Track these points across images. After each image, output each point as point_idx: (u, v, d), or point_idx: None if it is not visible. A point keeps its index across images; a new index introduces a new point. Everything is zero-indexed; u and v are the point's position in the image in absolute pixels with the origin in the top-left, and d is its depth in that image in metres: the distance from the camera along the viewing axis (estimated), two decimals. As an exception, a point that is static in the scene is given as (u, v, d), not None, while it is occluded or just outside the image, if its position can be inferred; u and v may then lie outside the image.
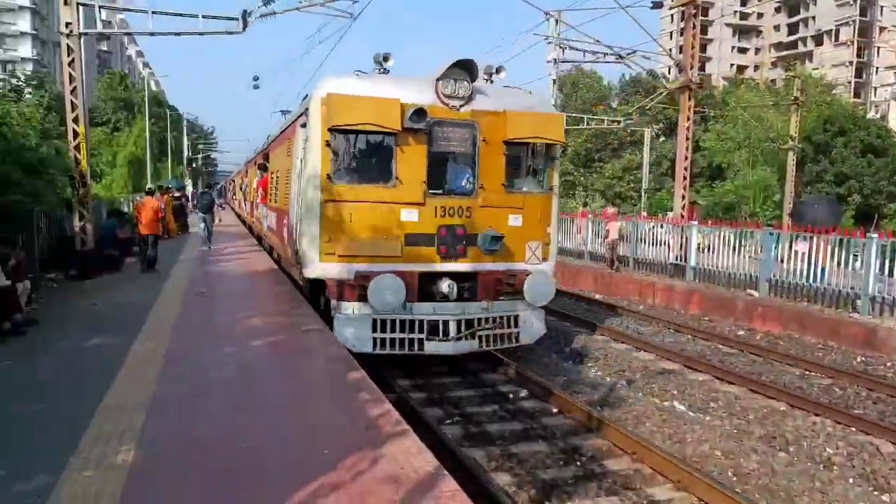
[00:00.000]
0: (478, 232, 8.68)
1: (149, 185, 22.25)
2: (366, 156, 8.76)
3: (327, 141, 8.30)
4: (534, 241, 9.23)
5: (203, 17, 15.20)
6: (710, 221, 18.10)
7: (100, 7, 16.75)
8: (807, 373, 10.07)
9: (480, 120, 8.69)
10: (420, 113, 8.06)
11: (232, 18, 15.28)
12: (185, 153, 67.94)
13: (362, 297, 8.15)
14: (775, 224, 17.97)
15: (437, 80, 8.48)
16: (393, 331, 8.37)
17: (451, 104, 8.56)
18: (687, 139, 18.47)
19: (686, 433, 7.31)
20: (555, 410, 7.93)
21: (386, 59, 8.74)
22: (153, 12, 15.30)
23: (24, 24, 75.08)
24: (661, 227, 18.33)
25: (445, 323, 8.53)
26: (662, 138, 50.51)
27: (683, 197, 18.52)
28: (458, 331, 8.57)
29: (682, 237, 16.90)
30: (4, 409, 5.40)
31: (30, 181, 11.36)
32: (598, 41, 21.95)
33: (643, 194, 41.25)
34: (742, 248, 15.38)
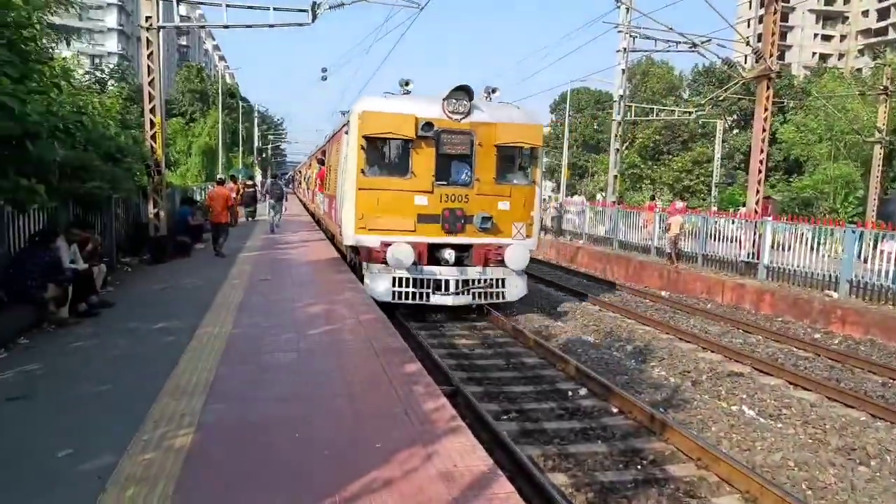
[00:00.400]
0: (473, 214, 11.42)
1: (220, 176, 23.35)
2: (389, 155, 11.79)
3: (362, 145, 11.14)
4: (519, 222, 11.87)
5: (274, 9, 15.49)
6: (785, 217, 17.21)
7: (178, 1, 17.40)
8: (891, 381, 9.42)
9: (476, 129, 11.44)
10: (429, 125, 10.90)
11: (301, 10, 15.50)
12: (256, 143, 69.90)
13: (385, 261, 11.03)
14: (858, 222, 16.91)
15: (444, 99, 11.25)
16: (407, 286, 11.29)
17: (453, 117, 11.29)
18: (764, 131, 17.59)
19: (756, 440, 6.94)
20: (615, 410, 7.68)
21: (407, 83, 11.60)
22: (227, 5, 15.66)
23: (111, 19, 78.97)
24: (733, 222, 17.57)
25: (447, 281, 11.44)
26: (735, 130, 48.58)
27: (758, 191, 17.68)
28: (457, 288, 11.49)
29: (755, 234, 16.14)
30: (77, 389, 5.61)
31: (109, 169, 11.83)
32: (670, 29, 21.18)
33: (713, 188, 39.80)
34: (821, 247, 14.55)
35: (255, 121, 70.20)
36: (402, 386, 5.72)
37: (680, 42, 21.62)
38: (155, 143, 14.28)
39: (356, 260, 12.68)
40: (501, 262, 11.66)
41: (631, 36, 23.46)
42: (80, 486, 3.74)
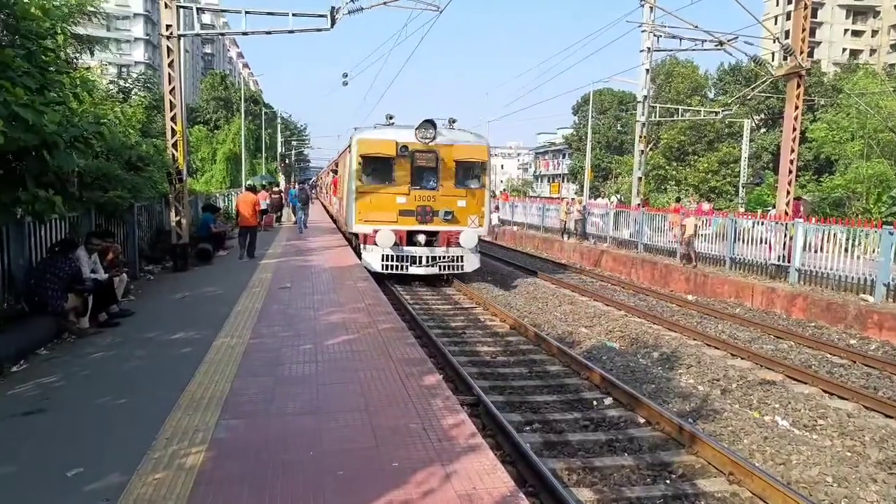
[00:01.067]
0: (439, 209, 15.87)
1: (248, 182, 24.04)
2: (378, 169, 15.89)
3: (359, 162, 15.72)
4: (473, 215, 16.17)
5: (293, 15, 15.47)
6: (817, 219, 16.70)
7: (198, 9, 17.50)
8: (932, 389, 9.02)
9: (440, 149, 15.79)
10: (405, 147, 15.42)
11: (320, 16, 15.45)
12: (279, 149, 70.48)
13: (376, 242, 15.18)
14: (894, 222, 16.38)
15: (416, 128, 15.47)
16: (392, 260, 15.64)
17: (423, 141, 15.46)
18: (794, 130, 17.11)
19: (790, 453, 6.64)
20: (642, 421, 7.44)
21: (391, 118, 16.52)
22: (246, 12, 15.69)
23: (137, 29, 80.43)
24: (762, 224, 17.12)
25: (420, 257, 15.81)
26: (763, 129, 47.68)
27: (788, 192, 17.20)
28: (427, 262, 15.84)
29: (785, 236, 15.69)
30: (92, 402, 5.55)
31: (130, 177, 11.89)
32: (695, 27, 20.78)
33: (741, 189, 39.04)
34: (855, 249, 14.07)
35: (279, 127, 70.78)
36: (420, 400, 5.55)
37: (705, 40, 21.20)
38: (176, 151, 14.34)
39: (357, 243, 17.09)
40: (459, 244, 15.92)
41: (655, 35, 23.10)
42: (87, 509, 3.65)
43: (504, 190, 69.74)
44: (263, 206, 22.78)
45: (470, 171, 16.50)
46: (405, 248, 15.80)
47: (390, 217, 15.67)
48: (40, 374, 6.38)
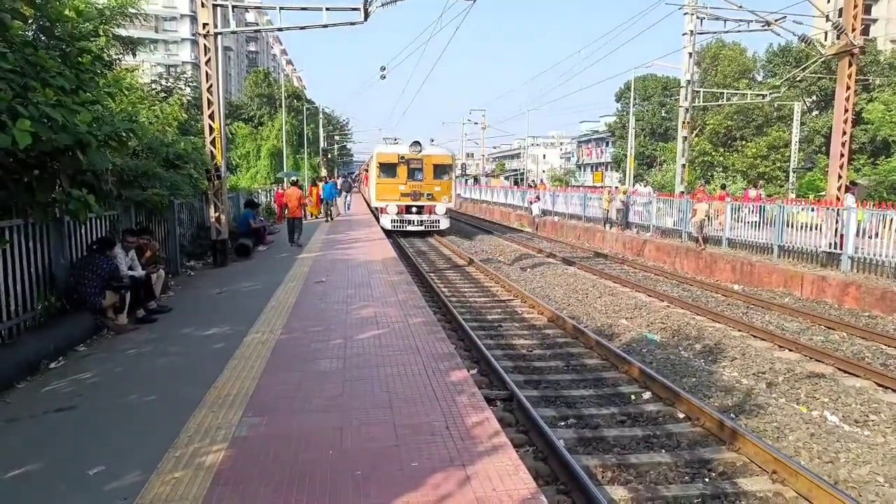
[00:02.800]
0: (423, 192, 26.24)
1: (293, 178, 26.96)
2: (389, 169, 26.46)
3: (377, 165, 26.83)
4: (444, 196, 26.69)
5: (327, 9, 15.47)
6: (872, 203, 15.89)
7: (233, 7, 17.68)
8: None
9: (423, 158, 26.38)
10: (402, 156, 26.31)
11: (354, 9, 15.40)
12: (321, 144, 71.22)
13: (387, 213, 26.37)
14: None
15: (409, 146, 26.53)
16: (396, 224, 26.19)
17: (414, 153, 26.18)
18: (846, 111, 16.31)
19: (839, 451, 6.29)
20: (681, 416, 7.16)
21: (396, 140, 28.90)
22: (281, 8, 15.77)
23: (184, 30, 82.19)
24: (812, 210, 16.41)
25: (413, 220, 26.43)
26: (815, 112, 45.86)
27: (840, 176, 16.43)
28: (417, 224, 26.46)
29: (837, 222, 15.00)
30: (122, 399, 5.62)
31: (168, 175, 12.10)
32: (740, 7, 20.02)
33: (791, 174, 37.66)
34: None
35: (321, 122, 71.49)
36: (445, 396, 5.43)
37: (752, 21, 20.43)
38: (214, 148, 14.51)
39: (377, 213, 27.79)
40: (433, 214, 26.55)
41: (698, 17, 22.38)
42: (104, 509, 3.65)
43: (543, 181, 68.91)
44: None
45: (441, 170, 27.25)
46: (404, 215, 26.76)
47: (395, 197, 26.61)
48: (76, 371, 6.50)
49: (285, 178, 35.85)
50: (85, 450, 4.49)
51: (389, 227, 25.80)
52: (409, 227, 26.64)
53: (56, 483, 3.99)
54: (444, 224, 27.19)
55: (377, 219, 27.29)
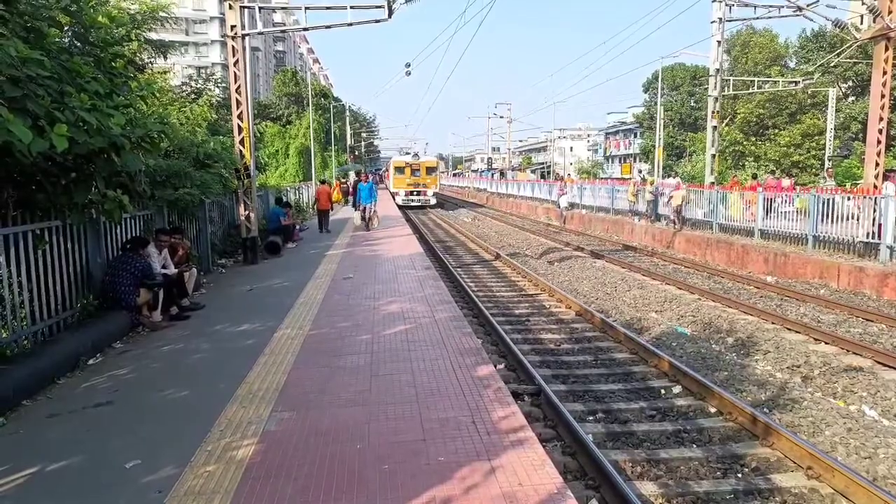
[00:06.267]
0: (420, 183, 45.66)
1: (322, 178, 37.98)
2: (400, 170, 46.52)
3: (393, 168, 47.88)
4: (433, 185, 46.53)
5: (351, 7, 15.55)
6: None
7: (263, 8, 17.88)
8: None
9: (420, 163, 46.38)
10: (408, 163, 46.41)
11: (378, 7, 15.45)
12: (348, 142, 71.73)
13: (399, 195, 45.95)
14: None
15: (411, 156, 48.89)
16: (405, 201, 44.80)
17: (414, 161, 46.71)
18: (883, 96, 15.89)
19: (878, 446, 6.15)
20: (713, 410, 7.08)
21: (407, 152, 60.16)
22: (306, 8, 15.91)
23: (213, 32, 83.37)
24: (848, 199, 16.01)
25: (413, 200, 45.50)
26: (851, 98, 44.62)
27: (877, 164, 16.00)
28: (416, 202, 45.41)
29: (875, 211, 14.62)
30: (157, 394, 5.76)
31: (199, 174, 12.31)
32: (771, -8, 19.61)
33: (827, 162, 36.73)
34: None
35: (347, 120, 71.95)
36: (471, 391, 5.45)
37: (782, 6, 19.99)
38: (243, 147, 14.71)
39: (394, 195, 46.41)
40: (425, 196, 45.30)
41: (726, 4, 21.95)
42: (141, 500, 3.76)
43: (570, 174, 68.39)
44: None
45: (430, 170, 45.84)
46: (409, 197, 44.64)
47: (403, 186, 45.07)
48: (113, 367, 6.68)
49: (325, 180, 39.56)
50: (122, 444, 4.62)
51: (401, 203, 43.17)
52: (412, 203, 44.50)
53: (95, 476, 4.12)
54: (433, 202, 45.86)
55: (393, 197, 46.14)
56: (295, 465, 4.10)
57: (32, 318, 6.74)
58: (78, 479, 4.10)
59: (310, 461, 4.16)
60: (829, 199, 15.87)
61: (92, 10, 8.93)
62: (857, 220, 15.22)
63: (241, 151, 14.70)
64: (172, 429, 4.87)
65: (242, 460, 4.15)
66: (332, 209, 24.67)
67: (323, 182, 27.30)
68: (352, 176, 48.77)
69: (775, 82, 33.13)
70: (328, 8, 15.95)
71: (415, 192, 45.19)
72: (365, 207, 21.93)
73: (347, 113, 72.91)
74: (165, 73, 17.45)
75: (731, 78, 30.28)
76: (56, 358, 6.45)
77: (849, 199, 16.02)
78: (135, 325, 8.32)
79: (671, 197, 22.70)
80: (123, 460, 4.27)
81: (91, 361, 6.89)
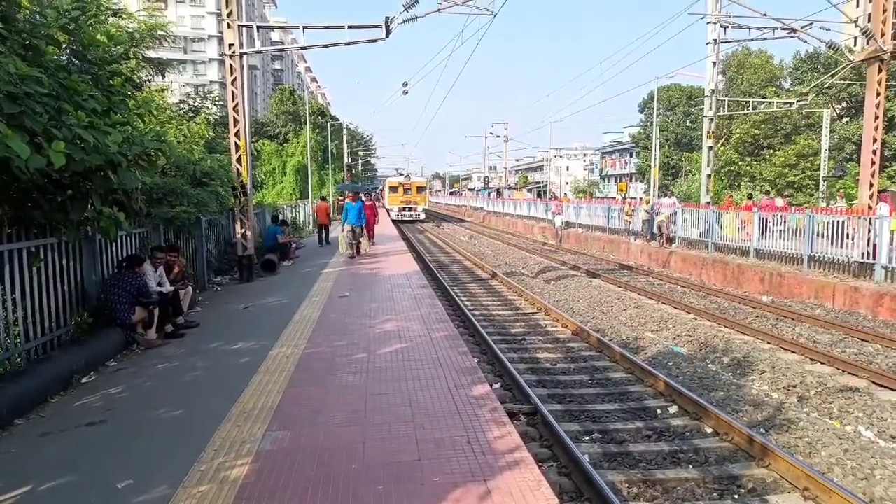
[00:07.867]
0: (411, 200, 52.71)
1: (321, 195, 36.94)
2: (394, 190, 53.78)
3: (388, 187, 56.02)
4: (422, 203, 53.84)
5: (349, 27, 15.69)
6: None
7: (260, 27, 18.03)
8: None
9: (411, 183, 54.24)
10: (401, 183, 54.32)
11: (375, 26, 15.59)
12: (346, 160, 71.93)
13: (393, 211, 52.50)
14: None
15: (404, 177, 57.21)
16: (398, 216, 51.18)
17: (406, 181, 54.72)
18: (876, 118, 16.04)
19: (874, 467, 6.13)
20: (709, 431, 7.05)
21: (401, 173, 65.57)
22: (304, 27, 16.04)
23: (211, 50, 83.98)
24: (843, 219, 16.09)
25: (406, 215, 52.03)
26: (846, 119, 45.06)
27: (871, 184, 16.12)
28: (408, 217, 51.93)
29: (869, 231, 14.69)
30: (151, 413, 5.72)
31: (196, 192, 12.32)
32: (765, 15, 19.84)
33: (821, 183, 37.01)
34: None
35: (345, 138, 72.24)
36: (467, 410, 5.43)
37: (777, 28, 20.22)
38: (240, 165, 14.75)
39: (388, 210, 52.36)
40: (416, 211, 52.22)
41: (721, 26, 22.21)
42: (134, 520, 3.72)
43: (566, 193, 68.81)
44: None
45: (420, 189, 53.44)
46: (401, 212, 51.09)
47: (397, 203, 51.79)
48: (107, 385, 6.64)
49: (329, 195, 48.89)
50: (114, 463, 4.58)
51: (395, 218, 48.79)
52: (404, 217, 50.08)
53: (86, 496, 4.07)
54: (422, 216, 52.24)
55: (388, 212, 50.84)
56: (289, 486, 4.06)
57: (26, 335, 6.70)
58: (70, 499, 4.05)
59: (304, 481, 4.13)
60: (830, 221, 15.96)
61: (91, 29, 9.03)
62: (852, 239, 15.29)
63: (237, 169, 14.73)
64: (166, 448, 4.83)
65: (236, 480, 4.12)
66: (330, 224, 26.31)
67: (323, 199, 28.86)
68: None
69: (770, 103, 33.42)
70: (326, 27, 16.06)
71: (406, 208, 52.08)
72: (353, 229, 18.49)
73: (345, 131, 73.21)
74: (163, 90, 17.55)
75: (727, 98, 30.55)
76: (49, 376, 6.40)
77: (843, 219, 16.10)
78: (129, 342, 8.28)
79: (659, 212, 24.07)
80: (116, 480, 4.23)
81: (85, 379, 6.85)
